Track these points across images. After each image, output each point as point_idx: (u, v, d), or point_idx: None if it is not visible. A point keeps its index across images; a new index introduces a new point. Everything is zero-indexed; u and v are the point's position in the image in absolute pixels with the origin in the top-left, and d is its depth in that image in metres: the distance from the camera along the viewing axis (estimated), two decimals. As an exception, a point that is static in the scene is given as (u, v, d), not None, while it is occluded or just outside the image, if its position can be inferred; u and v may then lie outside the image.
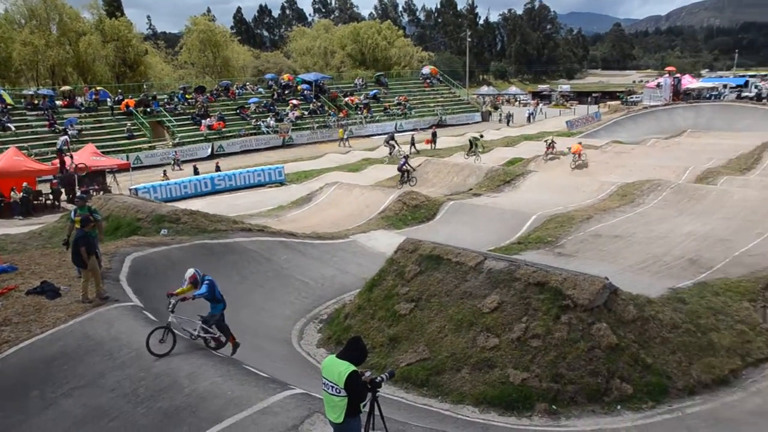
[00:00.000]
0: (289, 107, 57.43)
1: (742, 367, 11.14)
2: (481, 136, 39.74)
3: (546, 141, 41.42)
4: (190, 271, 10.42)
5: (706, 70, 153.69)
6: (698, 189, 25.16)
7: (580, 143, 39.79)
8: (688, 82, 69.35)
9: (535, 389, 10.16)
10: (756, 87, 74.03)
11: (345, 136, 52.57)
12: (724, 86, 72.95)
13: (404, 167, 31.14)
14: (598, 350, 10.43)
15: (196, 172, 37.13)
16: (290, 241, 18.38)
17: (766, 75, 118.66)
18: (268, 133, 52.27)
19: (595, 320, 10.74)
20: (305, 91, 62.15)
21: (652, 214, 22.32)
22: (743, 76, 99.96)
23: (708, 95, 64.81)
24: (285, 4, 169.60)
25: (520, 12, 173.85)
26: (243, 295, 14.52)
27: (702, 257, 17.01)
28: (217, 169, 37.74)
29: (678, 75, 68.80)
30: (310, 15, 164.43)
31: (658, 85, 68.01)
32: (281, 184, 35.03)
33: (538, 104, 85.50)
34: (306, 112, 58.06)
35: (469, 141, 40.07)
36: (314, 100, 60.96)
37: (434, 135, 48.59)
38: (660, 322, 11.30)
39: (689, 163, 32.78)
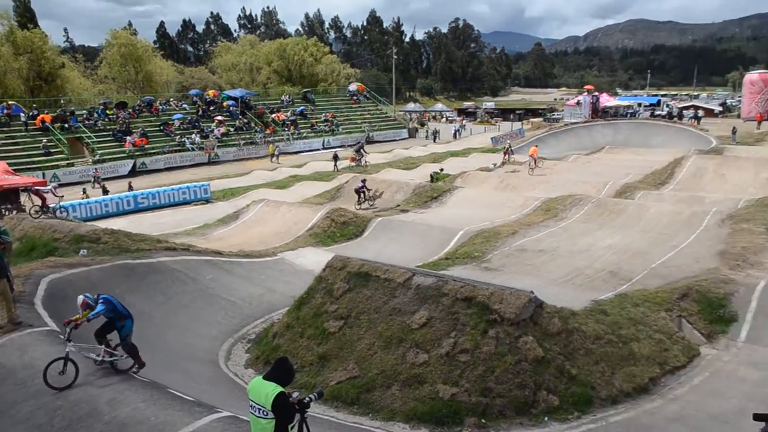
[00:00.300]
0: (214, 124, 56.56)
1: (661, 375, 11.54)
2: (441, 170, 38.60)
3: (504, 148, 42.78)
4: (80, 298, 9.87)
5: (621, 89, 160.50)
6: (617, 203, 26.12)
7: (536, 146, 41.64)
8: (606, 100, 72.00)
9: (464, 404, 10.22)
10: (667, 106, 78.12)
11: (276, 153, 52.27)
12: (639, 105, 76.37)
13: (362, 189, 30.49)
14: (525, 363, 10.60)
15: (105, 192, 35.66)
16: (216, 260, 18.02)
17: (676, 95, 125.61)
18: (193, 149, 51.30)
19: (522, 334, 10.92)
20: (231, 108, 61.37)
21: (575, 228, 23.00)
22: (656, 95, 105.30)
23: (624, 113, 67.47)
24: (210, 20, 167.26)
25: (445, 30, 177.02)
26: (167, 316, 14.13)
27: (622, 269, 17.61)
28: (130, 188, 36.30)
29: (596, 93, 71.36)
30: (235, 30, 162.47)
31: (578, 103, 70.36)
32: (207, 201, 34.45)
33: (463, 121, 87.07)
34: (232, 129, 57.34)
35: (431, 176, 38.15)
36: (240, 117, 60.27)
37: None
38: (584, 334, 11.59)
39: (608, 178, 33.98)
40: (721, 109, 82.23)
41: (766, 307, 13.74)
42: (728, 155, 39.23)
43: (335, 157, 46.03)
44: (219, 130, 55.34)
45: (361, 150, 45.87)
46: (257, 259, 19.36)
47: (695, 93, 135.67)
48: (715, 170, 34.19)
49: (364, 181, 31.47)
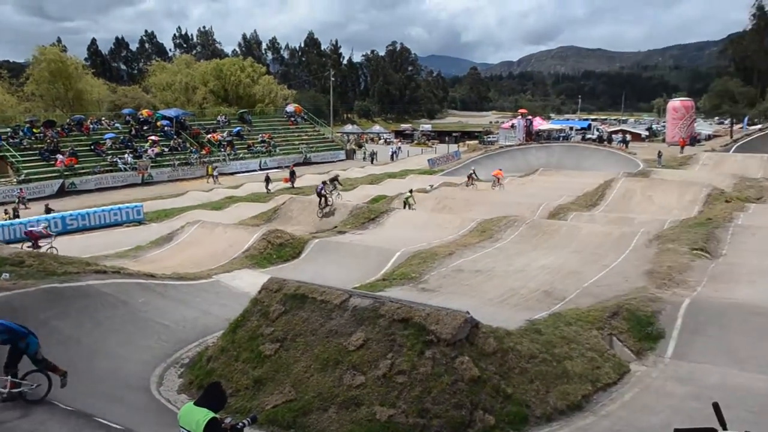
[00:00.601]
0: (148, 144, 55.41)
1: (593, 392, 11.75)
2: (411, 192, 35.72)
3: (468, 173, 43.75)
4: None
5: (553, 113, 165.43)
6: (551, 224, 26.70)
7: (500, 169, 42.39)
8: (539, 123, 74.14)
9: (401, 425, 10.17)
10: (598, 130, 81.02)
11: (215, 173, 51.60)
12: (571, 128, 79.01)
13: (322, 192, 30.78)
14: (462, 383, 10.64)
15: (16, 215, 33.82)
16: (149, 283, 17.51)
17: (605, 119, 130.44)
18: (125, 170, 50.09)
19: (458, 354, 10.97)
20: (165, 127, 60.25)
21: (510, 248, 23.35)
22: (587, 119, 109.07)
23: (557, 136, 69.60)
24: (144, 38, 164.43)
25: (382, 53, 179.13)
26: (96, 341, 13.62)
27: (556, 289, 17.92)
28: (48, 211, 34.03)
29: (530, 117, 73.33)
30: (170, 50, 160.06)
31: (513, 126, 72.12)
32: (140, 223, 33.60)
33: (400, 143, 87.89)
34: (166, 149, 56.28)
35: (404, 201, 34.49)
36: (175, 137, 59.23)
37: (293, 173, 48.19)
38: (519, 353, 11.73)
39: (542, 199, 34.68)
40: (647, 133, 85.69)
41: (690, 324, 14.19)
42: (655, 178, 40.69)
43: (267, 179, 45.69)
44: (153, 151, 54.24)
45: (336, 182, 36.84)
46: (192, 281, 18.94)
47: (623, 118, 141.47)
48: (642, 192, 35.32)
49: (324, 183, 31.76)
